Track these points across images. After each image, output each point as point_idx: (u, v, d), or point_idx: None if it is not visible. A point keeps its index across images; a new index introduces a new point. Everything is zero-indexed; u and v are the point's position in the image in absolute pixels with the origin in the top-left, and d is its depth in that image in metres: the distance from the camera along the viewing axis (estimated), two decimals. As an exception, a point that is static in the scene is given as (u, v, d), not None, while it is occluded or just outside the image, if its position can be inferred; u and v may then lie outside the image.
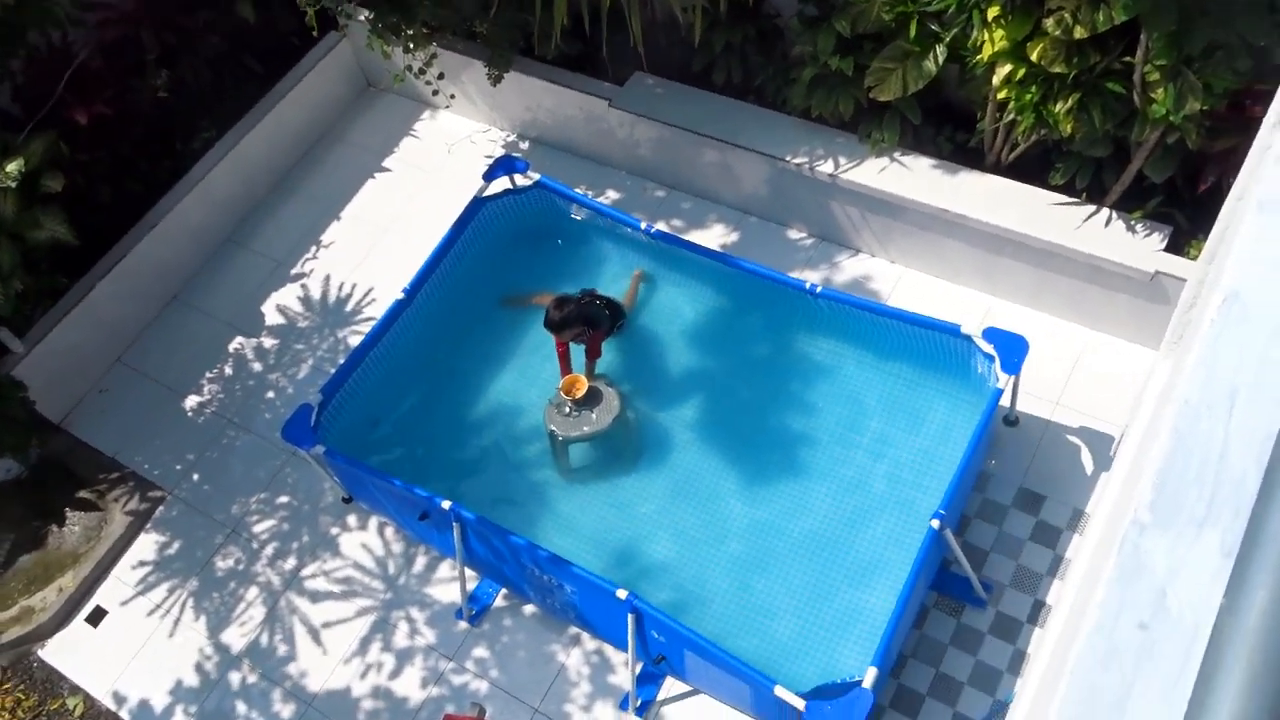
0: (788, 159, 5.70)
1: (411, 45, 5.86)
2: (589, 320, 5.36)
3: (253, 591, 5.48)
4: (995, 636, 4.69)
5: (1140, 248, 5.01)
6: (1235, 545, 1.84)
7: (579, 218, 5.98)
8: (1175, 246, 5.03)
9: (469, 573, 5.23)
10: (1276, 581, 1.59)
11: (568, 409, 5.36)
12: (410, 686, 5.07)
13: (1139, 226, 5.07)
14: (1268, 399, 2.02)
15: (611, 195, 6.56)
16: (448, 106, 7.12)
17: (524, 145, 6.95)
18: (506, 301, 6.00)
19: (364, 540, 5.55)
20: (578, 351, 5.54)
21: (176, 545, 5.71)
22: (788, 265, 6.00)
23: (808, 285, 5.15)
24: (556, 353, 5.50)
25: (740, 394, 5.55)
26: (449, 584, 5.31)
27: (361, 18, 6.39)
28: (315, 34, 6.29)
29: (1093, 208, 5.17)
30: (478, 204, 5.84)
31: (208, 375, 6.29)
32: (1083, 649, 1.84)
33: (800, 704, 3.96)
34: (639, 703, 4.80)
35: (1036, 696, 2.47)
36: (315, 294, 6.51)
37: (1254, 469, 1.92)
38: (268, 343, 6.36)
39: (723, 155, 6.00)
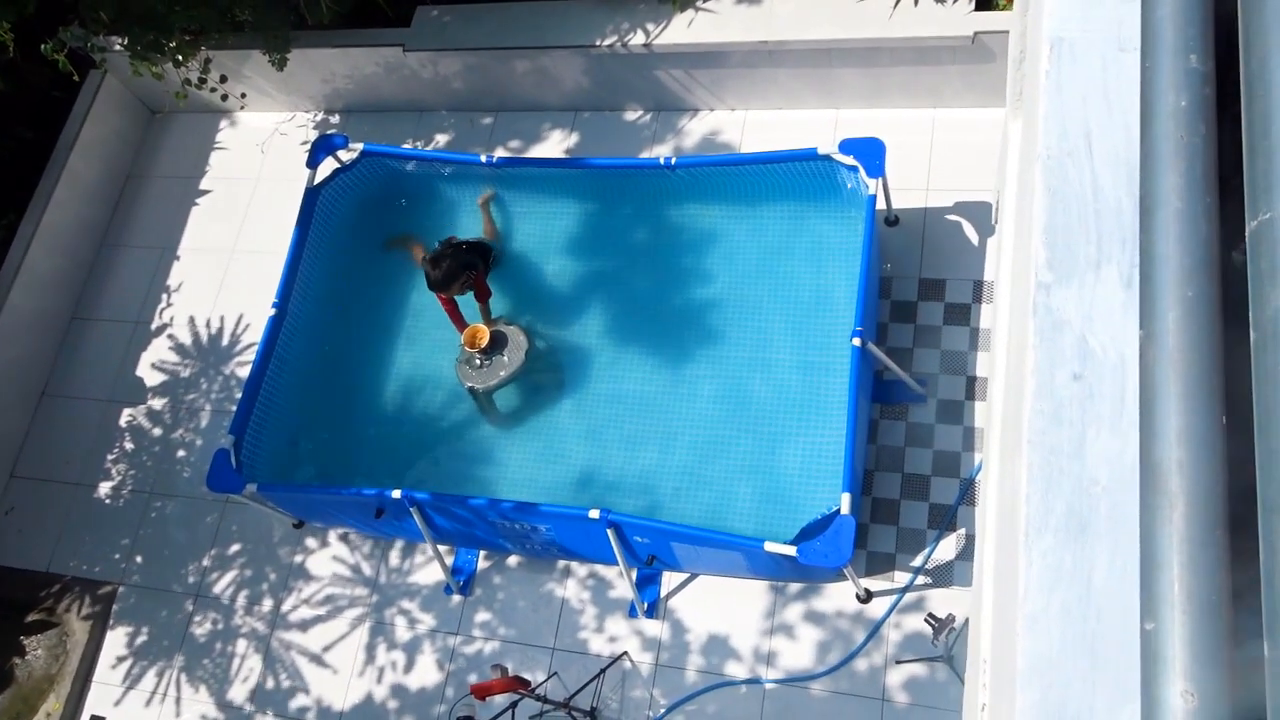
0: (598, 43, 5.59)
1: (180, 58, 5.51)
2: (467, 266, 5.27)
3: (241, 645, 5.40)
4: (943, 423, 4.90)
5: (953, 15, 5.08)
6: (1133, 273, 1.94)
7: (417, 172, 5.80)
8: (985, 3, 5.11)
9: (443, 548, 5.23)
10: (1181, 297, 1.68)
11: (478, 361, 5.30)
12: (428, 673, 5.10)
13: (946, -4, 5.13)
14: (1118, 126, 2.09)
15: (440, 139, 6.37)
16: (243, 108, 6.75)
17: (335, 119, 6.67)
18: (389, 244, 5.84)
19: (331, 555, 5.49)
20: (465, 303, 5.45)
21: (147, 630, 5.56)
22: (634, 148, 5.95)
23: (661, 160, 5.13)
24: (445, 311, 5.41)
25: (635, 286, 5.55)
26: (429, 566, 5.31)
27: (117, 47, 5.97)
28: (75, 79, 5.87)
29: (898, -8, 5.21)
30: (312, 195, 5.62)
31: (109, 457, 6.04)
32: (1031, 414, 1.93)
33: (792, 550, 4.10)
34: (646, 606, 4.92)
35: (1002, 466, 2.59)
36: (186, 340, 6.24)
37: (1127, 198, 2.01)
38: (157, 404, 6.11)
39: (534, 61, 5.86)
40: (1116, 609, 1.73)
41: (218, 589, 5.55)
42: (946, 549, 4.69)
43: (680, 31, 5.46)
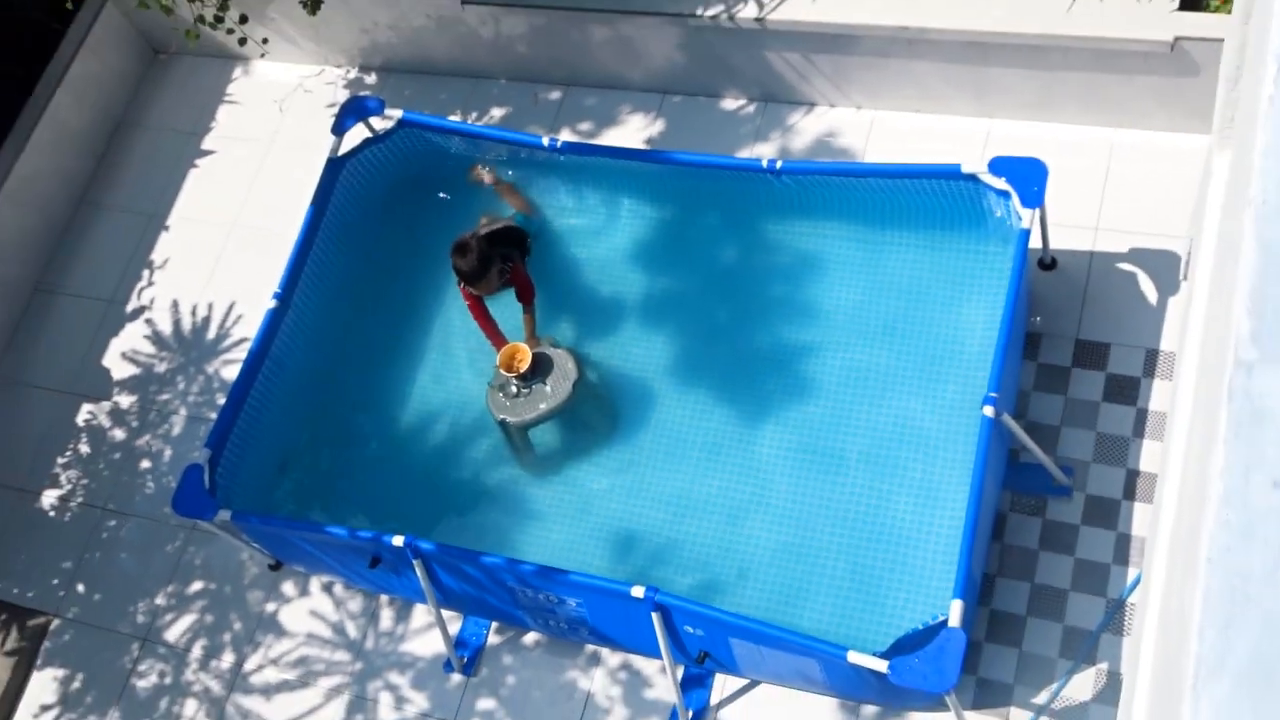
0: (698, 13, 5.64)
1: (194, -10, 5.69)
2: (502, 256, 5.30)
3: (190, 706, 5.46)
4: (1090, 526, 4.80)
5: (1149, 13, 5.03)
6: (1363, 360, 1.87)
7: (463, 151, 5.88)
8: (1191, 2, 5.05)
9: (448, 614, 5.24)
10: None
11: (514, 388, 5.33)
12: (413, 768, 5.10)
13: (1141, -11, 5.09)
14: (1359, 172, 2.04)
15: (496, 114, 6.47)
16: (263, 55, 6.92)
17: (371, 79, 6.81)
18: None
19: (310, 608, 5.53)
20: (500, 312, 5.48)
21: (80, 676, 5.65)
22: (732, 144, 5.97)
23: (764, 163, 5.13)
24: (475, 320, 5.46)
25: (715, 314, 5.55)
26: (428, 633, 5.32)
27: (125, -30, 6.19)
28: (71, 6, 6.08)
29: (1081, -20, 5.18)
30: (335, 166, 5.73)
31: (60, 461, 6.18)
32: (1215, 527, 1.87)
33: (882, 666, 4.03)
34: (690, 714, 4.86)
35: (1168, 589, 2.52)
36: (165, 328, 6.38)
37: (1363, 263, 1.94)
38: (124, 402, 6.24)
39: (616, 29, 5.93)
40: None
41: (170, 634, 5.62)
42: (1081, 687, 4.57)
43: (802, 6, 5.49)
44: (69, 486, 6.11)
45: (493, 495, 5.42)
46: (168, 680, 5.54)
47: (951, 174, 4.84)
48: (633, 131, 6.19)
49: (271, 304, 5.45)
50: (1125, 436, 4.91)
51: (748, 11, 5.56)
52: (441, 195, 6.05)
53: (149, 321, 6.44)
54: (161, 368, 6.29)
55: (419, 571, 4.82)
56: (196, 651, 5.56)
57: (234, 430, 5.25)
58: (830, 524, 4.97)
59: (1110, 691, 4.53)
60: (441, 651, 5.26)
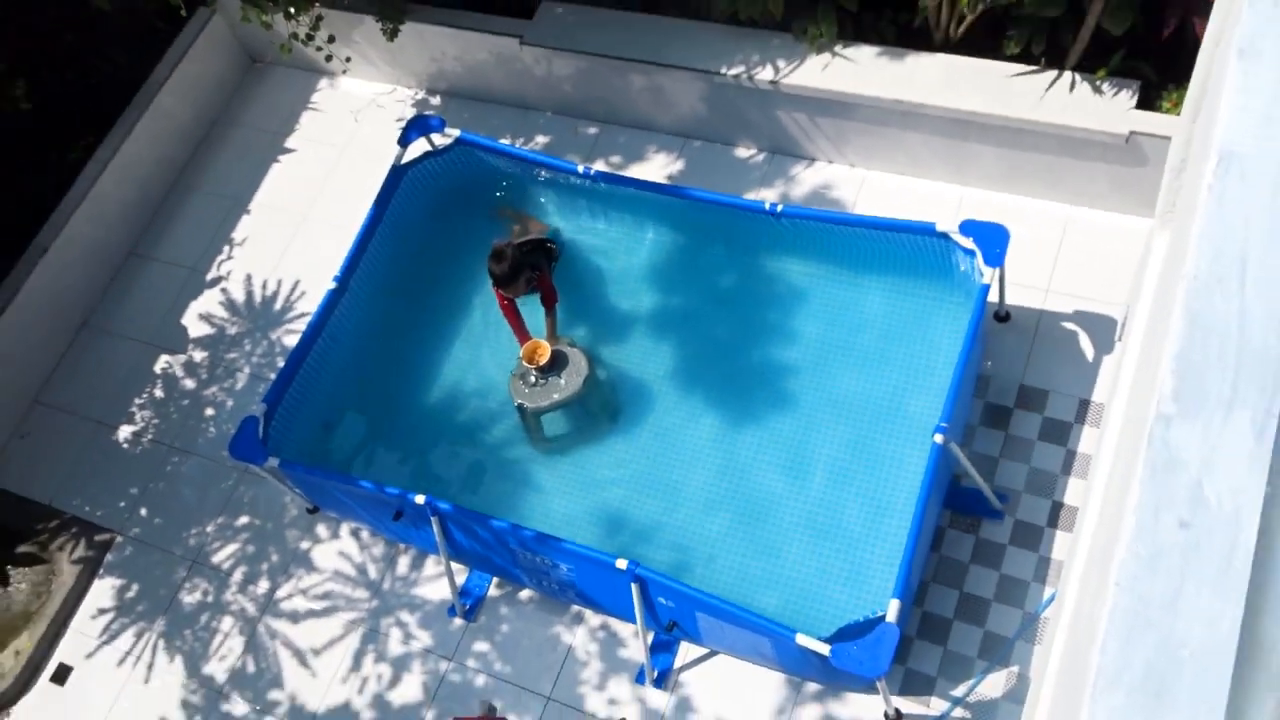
0: (722, 71, 5.61)
1: (292, 10, 5.67)
2: (532, 265, 5.29)
3: (227, 622, 5.43)
4: (1017, 547, 4.75)
5: (1110, 109, 5.00)
6: (1268, 424, 1.84)
7: (509, 170, 5.86)
8: (1146, 102, 5.02)
9: (456, 566, 5.21)
10: (1323, 459, 1.59)
11: (533, 378, 5.30)
12: (412, 694, 5.06)
13: (1105, 86, 5.05)
14: (1280, 260, 2.01)
15: (540, 140, 6.44)
16: (345, 71, 6.92)
17: (436, 101, 6.80)
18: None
19: (339, 549, 5.51)
20: (527, 312, 5.46)
21: (135, 587, 5.63)
22: (742, 187, 5.94)
23: (767, 205, 5.10)
24: (506, 317, 5.43)
25: (713, 332, 5.52)
26: (437, 581, 5.29)
27: (234, -13, 6.18)
28: (183, 13, 6.08)
29: (1054, 73, 5.14)
30: (397, 173, 5.71)
31: (137, 401, 6.16)
32: (1125, 556, 1.85)
33: (825, 649, 4.00)
34: (655, 674, 4.83)
35: (1078, 611, 2.49)
36: (239, 297, 6.37)
37: (1276, 340, 1.92)
38: (197, 356, 6.23)
39: (652, 79, 5.90)
40: (1184, 794, 1.63)
41: (217, 559, 5.60)
42: (994, 685, 4.52)
43: (813, 74, 5.46)
44: (142, 424, 6.09)
45: (505, 468, 5.40)
46: (210, 599, 5.52)
47: (927, 231, 4.81)
48: (657, 167, 6.17)
49: (331, 286, 5.44)
50: (1054, 472, 4.87)
51: (765, 74, 5.54)
52: (497, 194, 5.99)
53: (224, 290, 6.43)
54: (232, 331, 6.27)
55: (435, 527, 4.80)
56: (237, 576, 5.54)
57: (289, 391, 5.24)
58: (793, 523, 4.93)
59: (1019, 691, 4.48)
60: (448, 598, 5.23)
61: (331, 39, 6.02)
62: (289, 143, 6.89)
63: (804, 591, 4.75)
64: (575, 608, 5.10)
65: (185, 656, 5.39)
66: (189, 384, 6.15)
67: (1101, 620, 1.81)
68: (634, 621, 4.70)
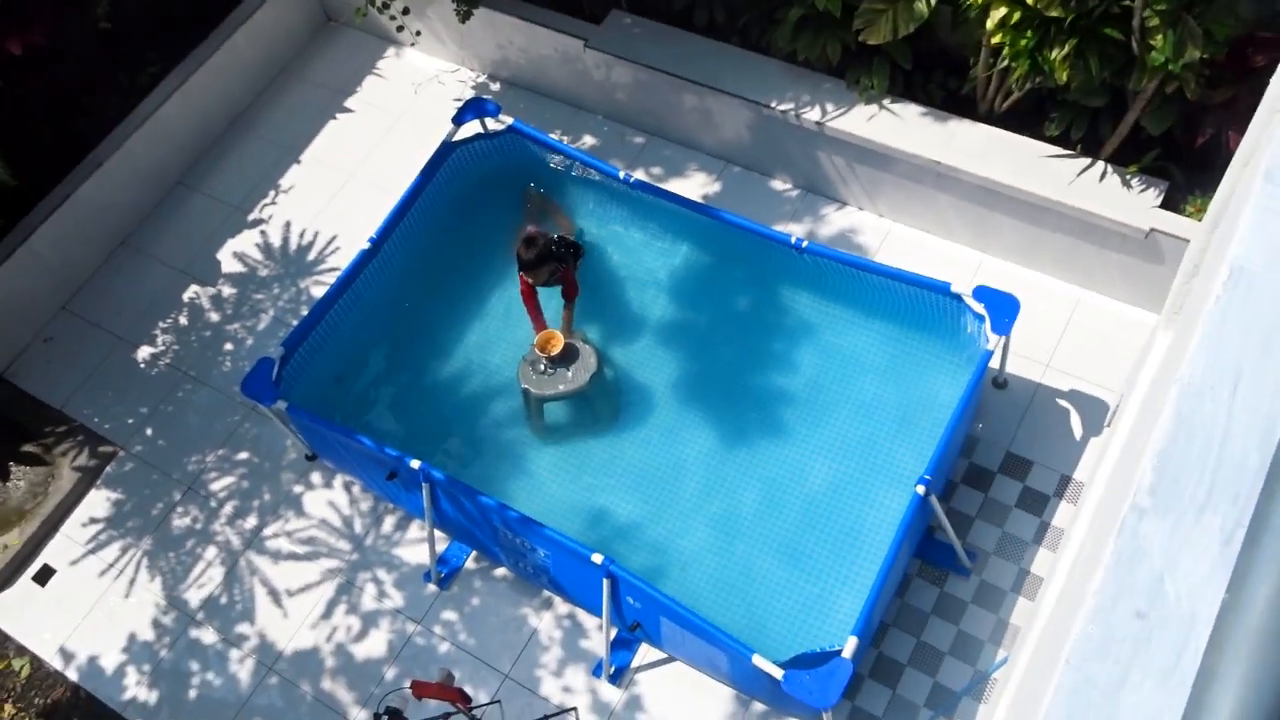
0: (772, 105, 5.64)
1: (375, -24, 5.71)
2: (558, 257, 5.31)
3: (211, 551, 5.46)
4: (978, 606, 4.76)
5: (1135, 204, 5.02)
6: (1236, 532, 1.86)
7: (554, 165, 5.89)
8: (1171, 203, 5.04)
9: (438, 534, 5.23)
10: (1281, 577, 1.61)
11: (543, 366, 5.33)
12: (377, 650, 5.09)
13: (1134, 181, 5.07)
14: (1272, 381, 2.03)
15: (588, 141, 6.47)
16: (414, 44, 6.96)
17: (495, 87, 6.83)
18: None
19: (329, 499, 5.53)
20: (547, 304, 5.49)
21: (130, 503, 5.66)
22: (772, 218, 5.96)
23: (793, 240, 5.12)
24: (524, 302, 5.46)
25: (721, 351, 5.54)
26: (418, 545, 5.32)
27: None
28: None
29: (1087, 161, 5.16)
30: (447, 148, 5.74)
31: (161, 325, 6.20)
32: (1079, 636, 1.86)
33: (778, 673, 4.01)
34: (613, 669, 4.84)
35: (1026, 679, 2.50)
36: (275, 241, 6.41)
37: (1256, 454, 1.94)
38: (225, 291, 6.26)
39: (704, 100, 5.93)
40: None
41: (211, 488, 5.63)
42: (935, 733, 4.53)
43: (857, 122, 5.48)
44: (162, 348, 6.13)
45: (501, 448, 5.42)
46: (198, 526, 5.55)
47: (942, 289, 4.82)
48: (694, 185, 6.19)
49: (365, 246, 5.46)
50: (1026, 540, 4.88)
51: (813, 114, 5.56)
52: (533, 186, 6.02)
53: (263, 233, 6.47)
54: (263, 273, 6.31)
55: (424, 493, 4.82)
56: (228, 509, 5.57)
57: (307, 339, 5.26)
58: (768, 545, 4.94)
59: (958, 744, 4.50)
60: (425, 563, 5.25)
61: (406, 10, 6.05)
62: (349, 103, 6.93)
63: (768, 614, 4.76)
64: (546, 593, 5.12)
65: (165, 578, 5.42)
66: (213, 316, 6.19)
67: (1048, 694, 1.82)
68: (600, 615, 4.72)
